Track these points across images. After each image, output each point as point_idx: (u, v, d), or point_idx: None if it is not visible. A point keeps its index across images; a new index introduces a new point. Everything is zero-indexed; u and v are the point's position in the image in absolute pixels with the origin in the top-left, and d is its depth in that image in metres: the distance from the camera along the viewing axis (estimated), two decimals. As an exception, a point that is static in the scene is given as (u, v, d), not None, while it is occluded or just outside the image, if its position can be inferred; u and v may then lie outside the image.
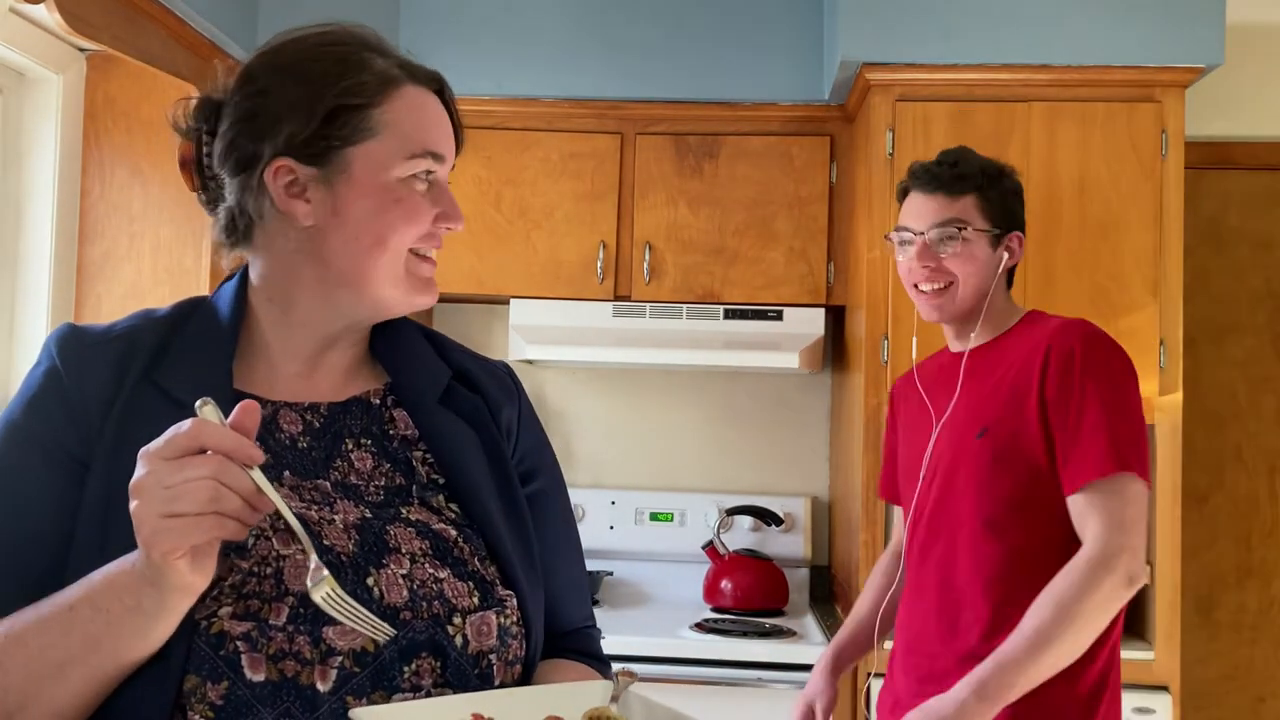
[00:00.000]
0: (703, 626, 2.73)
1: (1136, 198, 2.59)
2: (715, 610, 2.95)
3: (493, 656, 0.98)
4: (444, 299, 3.26)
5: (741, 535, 3.10)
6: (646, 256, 2.94)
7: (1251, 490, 3.13)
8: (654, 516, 3.17)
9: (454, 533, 1.01)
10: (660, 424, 3.30)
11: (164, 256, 2.64)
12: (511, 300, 2.97)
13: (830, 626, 2.76)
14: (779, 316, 2.92)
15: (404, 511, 1.01)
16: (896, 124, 2.66)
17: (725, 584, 2.95)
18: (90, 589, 0.86)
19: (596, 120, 2.98)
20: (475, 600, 0.99)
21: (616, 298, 2.96)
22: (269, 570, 0.92)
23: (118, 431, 0.94)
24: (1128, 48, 2.60)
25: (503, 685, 0.99)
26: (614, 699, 0.94)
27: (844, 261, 2.94)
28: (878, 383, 2.64)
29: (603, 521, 3.16)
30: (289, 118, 0.99)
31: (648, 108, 2.97)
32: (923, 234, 1.86)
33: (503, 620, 1.00)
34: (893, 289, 2.64)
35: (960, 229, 1.83)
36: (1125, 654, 2.53)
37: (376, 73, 1.01)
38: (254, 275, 1.05)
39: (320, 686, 0.90)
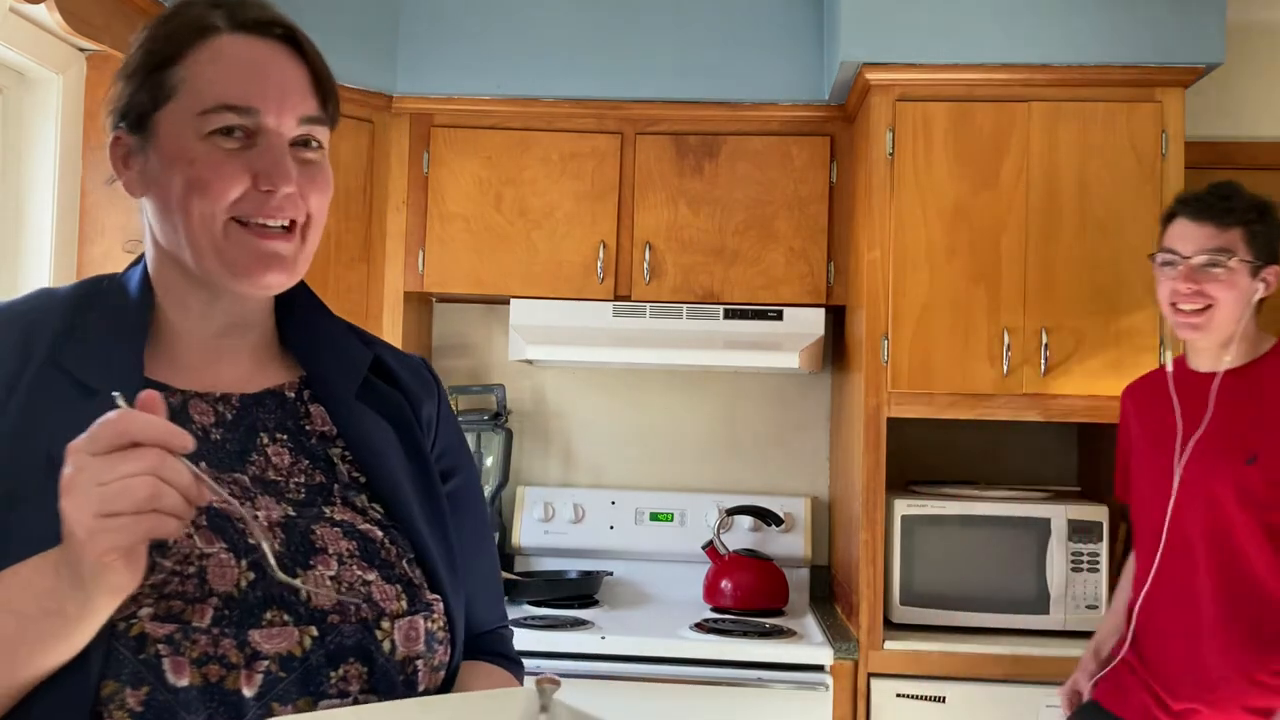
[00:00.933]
0: (703, 626, 2.73)
1: (1136, 198, 2.59)
2: (715, 610, 2.95)
3: (419, 662, 0.95)
4: (444, 299, 3.26)
5: (741, 535, 3.10)
6: (646, 256, 2.94)
7: (1251, 490, 3.13)
8: (654, 516, 3.17)
9: (380, 534, 0.97)
10: (660, 424, 3.30)
11: (164, 256, 2.63)
12: (511, 300, 2.97)
13: (830, 626, 2.76)
14: (779, 316, 2.92)
15: (328, 511, 0.97)
16: (896, 124, 2.65)
17: (725, 584, 2.95)
18: (3, 592, 0.80)
19: (596, 120, 2.98)
20: (403, 604, 0.95)
21: (616, 298, 2.96)
22: (192, 570, 0.87)
23: (20, 418, 0.88)
24: (1128, 48, 2.60)
25: (426, 692, 0.95)
26: (543, 708, 0.89)
27: (844, 261, 2.94)
28: (877, 383, 2.64)
29: (603, 521, 3.16)
30: (118, 86, 0.97)
31: (648, 108, 2.97)
32: (1189, 258, 2.00)
33: (430, 625, 0.96)
34: (893, 289, 2.64)
35: (1226, 258, 1.98)
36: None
37: (182, 25, 0.94)
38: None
39: (246, 692, 0.86)
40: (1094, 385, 2.58)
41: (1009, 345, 2.59)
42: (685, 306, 2.93)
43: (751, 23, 2.96)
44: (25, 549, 0.82)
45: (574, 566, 3.14)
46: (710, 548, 3.00)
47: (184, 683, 0.85)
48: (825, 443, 3.28)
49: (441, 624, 0.97)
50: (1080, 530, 2.63)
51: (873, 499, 2.63)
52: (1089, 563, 2.62)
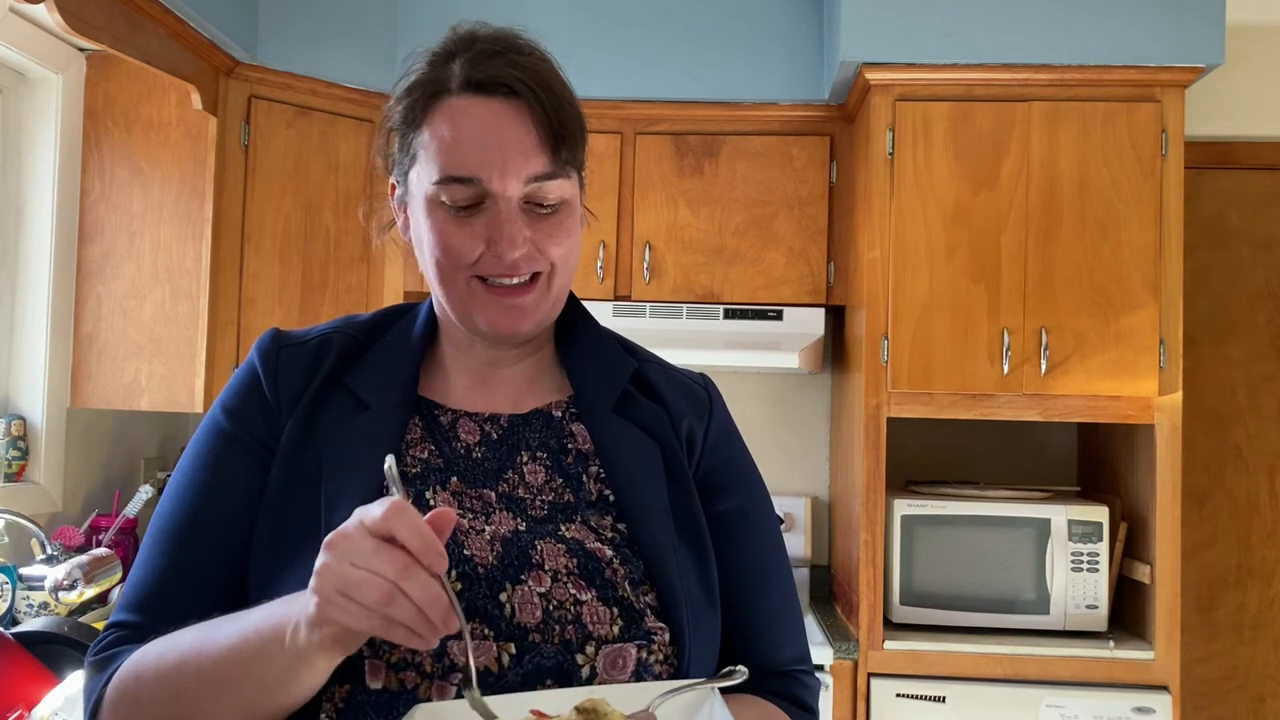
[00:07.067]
0: (703, 626, 2.73)
1: (1136, 198, 2.60)
2: (715, 610, 2.95)
3: None
4: (444, 299, 3.26)
5: (741, 535, 3.10)
6: (646, 256, 2.94)
7: (1251, 490, 3.13)
8: (654, 516, 3.16)
9: (609, 553, 0.94)
10: (660, 424, 3.29)
11: (164, 256, 2.64)
12: (511, 300, 2.96)
13: (830, 626, 2.76)
14: (779, 316, 2.92)
15: (562, 528, 0.95)
16: (896, 124, 2.66)
17: (725, 584, 2.94)
18: (255, 614, 0.84)
19: (596, 120, 2.98)
20: (616, 630, 0.90)
21: (616, 297, 2.96)
22: None
23: (302, 425, 0.97)
24: (1128, 48, 2.60)
25: None
26: (668, 692, 0.84)
27: (844, 261, 2.94)
28: (877, 383, 2.64)
29: (603, 521, 3.16)
30: (387, 136, 1.01)
31: (648, 108, 2.97)
32: None
33: (644, 655, 0.90)
34: (893, 289, 2.64)
35: None
36: (1125, 654, 2.54)
37: (425, 84, 0.96)
38: None
39: (436, 702, 0.86)
40: (1094, 385, 2.58)
41: (1009, 345, 2.59)
42: (685, 306, 2.93)
43: (751, 23, 2.96)
44: (294, 547, 0.90)
45: (574, 566, 3.13)
46: (710, 548, 2.99)
47: (378, 686, 0.87)
48: (825, 443, 3.28)
49: (663, 656, 0.91)
50: (1080, 530, 2.63)
51: (873, 499, 2.63)
52: (1089, 563, 2.62)
